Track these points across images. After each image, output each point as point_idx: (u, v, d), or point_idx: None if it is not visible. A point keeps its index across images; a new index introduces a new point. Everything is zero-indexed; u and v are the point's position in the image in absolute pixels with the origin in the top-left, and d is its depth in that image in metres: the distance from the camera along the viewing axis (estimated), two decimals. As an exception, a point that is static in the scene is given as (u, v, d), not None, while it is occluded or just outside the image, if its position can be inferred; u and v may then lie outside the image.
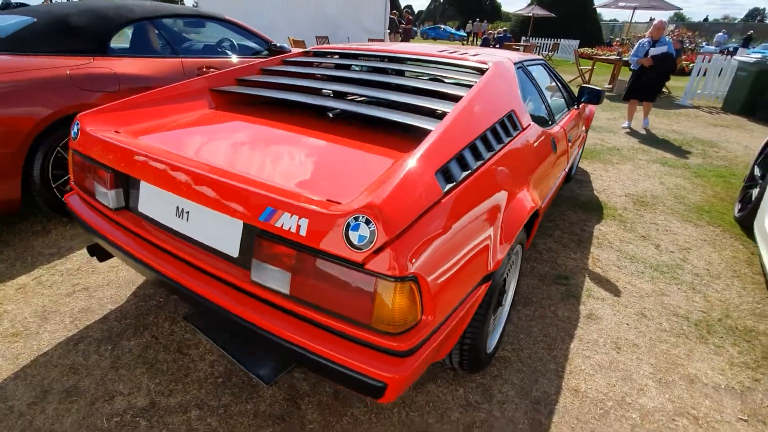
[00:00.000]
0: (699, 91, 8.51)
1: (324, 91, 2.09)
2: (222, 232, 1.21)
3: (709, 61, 8.28)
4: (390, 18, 11.70)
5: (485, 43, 13.02)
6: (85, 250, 2.36)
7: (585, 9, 21.96)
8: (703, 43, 5.59)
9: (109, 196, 1.46)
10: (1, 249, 2.34)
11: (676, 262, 2.61)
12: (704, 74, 8.46)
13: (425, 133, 1.43)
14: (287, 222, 1.00)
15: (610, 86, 9.68)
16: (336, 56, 2.29)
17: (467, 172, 1.23)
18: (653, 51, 5.94)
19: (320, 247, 0.97)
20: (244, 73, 2.12)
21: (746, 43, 22.57)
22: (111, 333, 1.77)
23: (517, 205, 1.44)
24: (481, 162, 1.32)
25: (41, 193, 2.42)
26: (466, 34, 29.53)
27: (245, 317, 1.11)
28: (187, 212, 1.28)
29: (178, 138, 1.56)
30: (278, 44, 3.83)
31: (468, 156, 1.27)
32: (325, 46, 2.38)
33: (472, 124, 1.38)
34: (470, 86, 1.72)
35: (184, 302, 1.29)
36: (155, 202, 1.38)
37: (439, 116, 1.57)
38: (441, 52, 2.10)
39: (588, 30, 20.96)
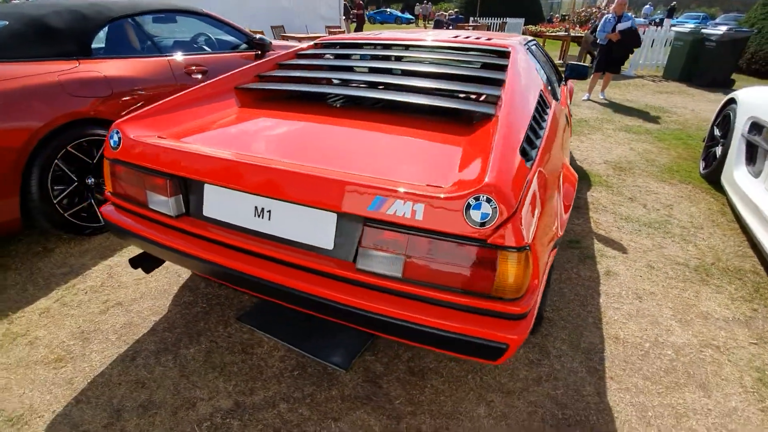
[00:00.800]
0: (641, 62, 9.19)
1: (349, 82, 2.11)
2: (313, 227, 1.23)
3: (644, 33, 8.93)
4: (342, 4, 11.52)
5: (438, 25, 13.17)
6: (103, 266, 2.25)
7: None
8: (632, 16, 6.07)
9: (169, 204, 1.43)
10: (4, 274, 2.18)
11: (663, 218, 2.90)
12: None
13: (483, 116, 1.51)
14: (400, 209, 1.06)
15: (561, 62, 10.19)
16: (351, 47, 2.29)
17: (535, 149, 1.33)
18: (620, 26, 6.24)
19: (438, 228, 1.03)
20: (264, 69, 2.08)
21: (670, 13, 24.38)
22: (166, 343, 1.74)
23: (568, 175, 1.58)
24: (539, 139, 1.42)
25: (42, 210, 2.26)
26: (414, 17, 29.58)
27: (354, 305, 1.16)
28: (269, 211, 1.29)
29: (232, 138, 1.54)
30: (258, 37, 3.72)
31: (531, 134, 1.38)
32: (333, 37, 2.38)
33: (525, 105, 1.48)
34: (501, 68, 1.81)
35: (275, 300, 1.30)
36: (225, 205, 1.36)
37: (487, 100, 1.65)
38: (455, 37, 2.17)
39: (529, 8, 21.70)
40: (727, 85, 7.64)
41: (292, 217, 1.26)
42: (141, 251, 1.77)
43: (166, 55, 2.91)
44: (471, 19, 14.76)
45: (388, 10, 28.77)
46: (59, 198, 2.31)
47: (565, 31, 10.62)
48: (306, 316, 1.75)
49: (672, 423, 1.45)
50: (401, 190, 1.06)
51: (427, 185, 1.11)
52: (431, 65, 2.00)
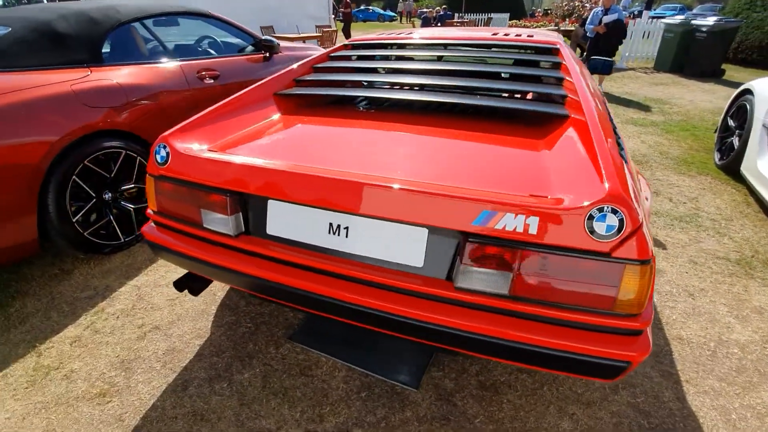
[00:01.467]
0: (628, 54, 9.30)
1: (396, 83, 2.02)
2: (399, 244, 1.15)
3: (634, 24, 9.05)
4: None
5: (425, 23, 13.10)
6: (130, 286, 2.11)
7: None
8: (620, 9, 6.21)
9: (229, 223, 1.32)
10: (23, 301, 2.03)
11: (692, 211, 2.90)
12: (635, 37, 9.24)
13: (555, 117, 1.44)
14: (511, 223, 0.98)
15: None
16: (386, 48, 2.19)
17: (622, 151, 1.27)
18: (606, 18, 6.36)
19: (555, 243, 0.96)
20: (300, 73, 1.97)
21: (648, 5, 24.88)
22: (217, 369, 1.63)
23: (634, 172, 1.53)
24: (620, 138, 1.37)
25: (60, 229, 2.11)
26: (396, 15, 29.47)
27: (453, 326, 1.08)
28: (346, 228, 1.19)
29: (289, 148, 1.43)
30: (265, 37, 3.59)
31: (615, 134, 1.32)
32: (363, 37, 2.28)
33: (597, 104, 1.42)
34: (556, 66, 1.75)
35: (352, 322, 1.22)
36: (293, 222, 1.26)
37: (552, 100, 1.58)
38: (495, 35, 2.10)
39: (511, 3, 21.86)
40: (717, 75, 7.79)
41: (374, 234, 1.17)
42: (185, 272, 1.65)
43: (177, 60, 2.77)
44: (457, 15, 14.73)
45: (371, 7, 28.56)
46: (78, 216, 2.16)
47: (555, 26, 10.67)
48: (360, 333, 1.67)
49: (757, 424, 1.42)
50: (513, 202, 0.98)
51: (530, 195, 1.04)
52: (478, 64, 1.92)
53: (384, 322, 1.16)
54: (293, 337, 1.72)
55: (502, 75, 1.85)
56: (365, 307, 1.16)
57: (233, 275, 1.34)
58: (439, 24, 12.83)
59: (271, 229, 1.31)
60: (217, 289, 2.08)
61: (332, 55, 2.11)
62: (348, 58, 2.13)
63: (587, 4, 15.66)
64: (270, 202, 1.28)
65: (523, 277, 1.02)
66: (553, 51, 1.87)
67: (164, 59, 2.70)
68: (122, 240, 2.39)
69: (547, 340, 1.02)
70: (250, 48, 3.53)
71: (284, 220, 1.28)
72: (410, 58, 2.08)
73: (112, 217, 2.33)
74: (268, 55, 3.58)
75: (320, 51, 4.69)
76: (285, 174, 1.21)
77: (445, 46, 2.08)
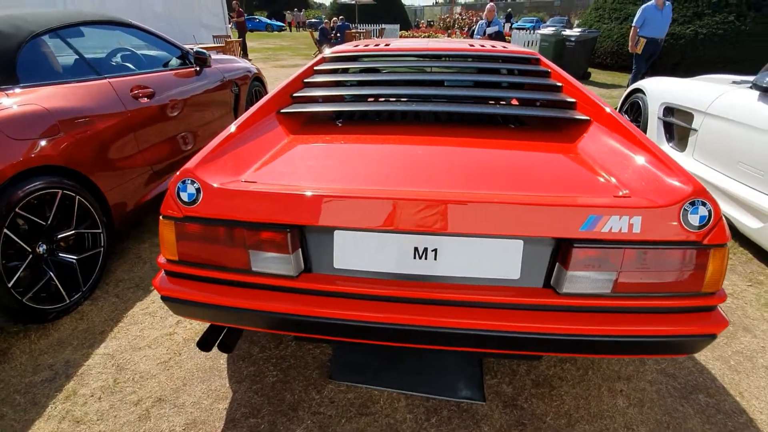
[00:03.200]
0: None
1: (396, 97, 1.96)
2: (493, 258, 1.13)
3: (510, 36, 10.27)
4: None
5: (324, 34, 13.07)
6: (99, 356, 1.71)
7: (389, -6, 23.98)
8: (500, 21, 7.21)
9: (291, 261, 1.16)
10: (-56, 404, 1.51)
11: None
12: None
13: (576, 122, 1.55)
14: (616, 224, 1.03)
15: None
16: (375, 59, 2.11)
17: None
18: (489, 30, 7.19)
19: (656, 238, 1.04)
20: (295, 88, 1.81)
21: (508, 18, 28.34)
22: (262, 432, 1.41)
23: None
24: None
25: (-11, 301, 1.62)
26: (285, 25, 28.87)
27: (559, 331, 1.10)
28: (434, 250, 1.13)
29: (332, 171, 1.30)
30: (196, 49, 3.23)
31: None
32: (343, 49, 2.18)
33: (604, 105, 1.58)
34: (544, 75, 1.89)
35: (447, 348, 1.16)
36: (369, 251, 1.16)
37: (560, 106, 1.69)
38: (472, 45, 2.19)
39: (397, 15, 23.07)
40: (585, 77, 9.20)
41: (466, 253, 1.13)
42: (209, 327, 1.39)
43: (106, 77, 2.34)
44: (351, 25, 15.02)
45: (257, 17, 27.48)
46: (13, 279, 1.68)
47: (448, 36, 11.53)
48: (400, 355, 1.60)
49: (749, 365, 1.71)
50: (618, 205, 1.04)
51: (614, 197, 1.11)
52: (473, 74, 1.99)
53: (485, 340, 1.13)
54: (334, 375, 1.58)
55: (499, 83, 1.94)
56: (464, 329, 1.12)
57: (293, 321, 1.17)
58: (338, 35, 12.91)
59: (340, 262, 1.18)
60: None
61: (317, 68, 1.98)
62: (336, 71, 2.03)
63: (472, 18, 17.27)
64: (337, 233, 1.16)
65: (626, 274, 1.08)
66: (534, 61, 2.03)
67: (90, 76, 2.25)
68: (68, 301, 1.93)
69: (647, 328, 1.09)
70: (175, 61, 3.14)
71: (356, 250, 1.16)
72: (401, 70, 2.06)
73: (52, 274, 1.87)
74: (198, 69, 3.23)
75: (245, 62, 4.38)
76: (358, 200, 1.11)
77: (432, 57, 2.10)
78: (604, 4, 10.83)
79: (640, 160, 1.25)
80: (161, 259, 1.27)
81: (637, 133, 1.35)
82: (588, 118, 1.53)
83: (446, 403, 1.51)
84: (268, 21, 28.28)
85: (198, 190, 1.15)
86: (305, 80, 1.87)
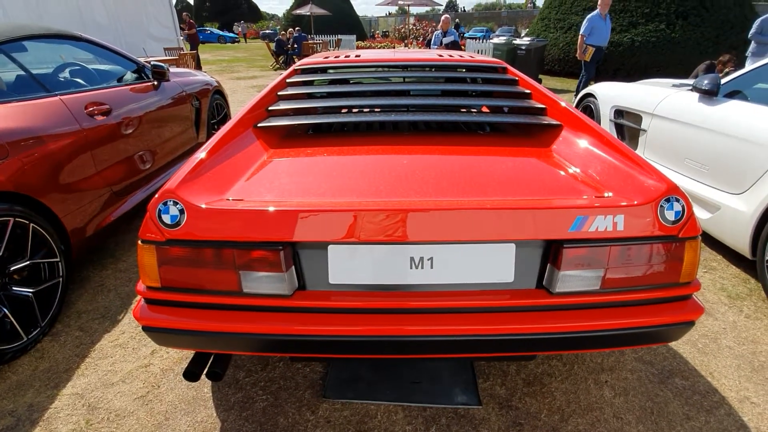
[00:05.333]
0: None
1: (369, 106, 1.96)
2: (487, 263, 1.15)
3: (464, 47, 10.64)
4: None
5: (280, 45, 12.90)
6: (67, 397, 1.57)
7: (343, 6, 24.17)
8: (455, 31, 7.55)
9: (284, 280, 1.12)
10: None
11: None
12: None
13: (548, 127, 1.62)
14: (602, 223, 1.09)
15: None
16: (346, 70, 2.11)
17: None
18: (445, 40, 7.45)
19: (637, 234, 1.10)
20: (269, 102, 1.77)
21: (457, 28, 29.36)
22: (257, 461, 1.34)
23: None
24: None
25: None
26: (237, 35, 28.29)
27: (553, 330, 1.13)
28: (430, 259, 1.14)
29: (320, 184, 1.28)
30: (153, 62, 3.09)
31: None
32: (314, 61, 2.16)
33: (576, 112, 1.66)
34: (512, 83, 1.96)
35: (445, 355, 1.16)
36: (364, 264, 1.14)
37: (531, 112, 1.76)
38: (441, 56, 2.24)
39: (353, 26, 23.26)
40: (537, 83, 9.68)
41: (461, 260, 1.14)
42: (193, 356, 1.32)
43: (56, 94, 2.18)
44: (309, 36, 14.98)
45: (208, 29, 26.72)
46: (-40, 321, 1.51)
47: (405, 46, 11.77)
48: (392, 367, 1.60)
49: (709, 343, 1.83)
50: (602, 205, 1.09)
51: (596, 197, 1.17)
52: (442, 83, 2.03)
53: (484, 345, 1.15)
54: (328, 393, 1.56)
55: (469, 92, 1.99)
56: (465, 336, 1.13)
57: (290, 341, 1.14)
58: (295, 46, 12.80)
59: (336, 277, 1.16)
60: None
61: (290, 81, 1.95)
62: (310, 83, 2.00)
63: (426, 28, 17.71)
64: (331, 247, 1.14)
65: (611, 269, 1.13)
66: (501, 69, 2.10)
67: (39, 94, 2.09)
68: (25, 339, 1.76)
69: (633, 320, 1.15)
70: (130, 75, 2.99)
71: (351, 264, 1.15)
72: (374, 81, 2.07)
73: (6, 311, 1.70)
74: (156, 83, 3.10)
75: (204, 75, 4.24)
76: (351, 213, 1.10)
77: (403, 68, 2.13)
78: (549, 14, 11.47)
79: (614, 161, 1.32)
80: (140, 287, 1.19)
81: (607, 136, 1.43)
82: (560, 123, 1.61)
83: (443, 411, 1.51)
84: (221, 32, 27.59)
85: (181, 211, 1.09)
86: (279, 93, 1.84)
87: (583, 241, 1.10)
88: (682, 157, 2.83)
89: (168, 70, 3.15)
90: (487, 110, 2.12)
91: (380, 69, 2.07)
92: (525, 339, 1.13)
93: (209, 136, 3.99)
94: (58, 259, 1.95)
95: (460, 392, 1.56)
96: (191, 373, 1.27)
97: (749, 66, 6.18)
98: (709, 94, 2.70)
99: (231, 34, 27.87)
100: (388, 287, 1.16)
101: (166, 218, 1.09)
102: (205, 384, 1.64)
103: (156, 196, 1.12)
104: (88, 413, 1.52)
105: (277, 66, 13.03)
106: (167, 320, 1.15)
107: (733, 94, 2.69)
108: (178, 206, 1.09)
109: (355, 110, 2.02)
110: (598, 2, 6.37)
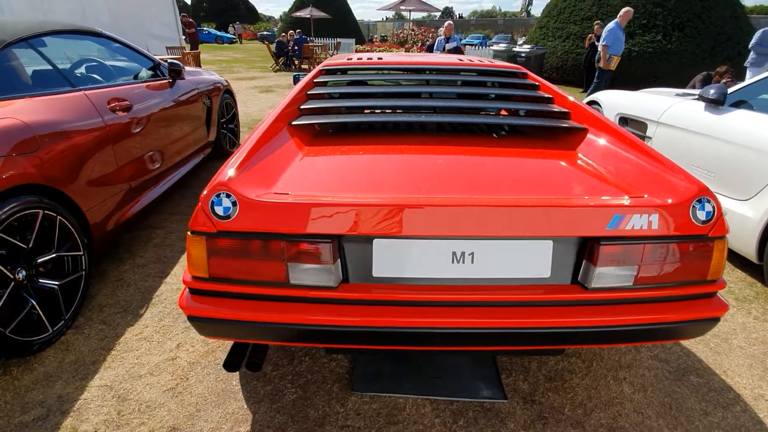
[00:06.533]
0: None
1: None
2: (525, 259, 1.19)
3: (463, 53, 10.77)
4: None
5: (280, 47, 12.92)
6: (96, 388, 1.58)
7: (342, 9, 24.30)
8: (458, 37, 7.71)
9: (331, 272, 1.15)
10: None
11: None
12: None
13: (574, 130, 1.67)
14: (638, 222, 1.14)
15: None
16: (372, 72, 2.15)
17: None
18: (448, 46, 7.55)
19: (670, 233, 1.15)
20: (300, 101, 1.80)
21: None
22: (292, 451, 1.36)
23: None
24: None
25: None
26: (235, 37, 28.25)
27: (587, 324, 1.18)
28: (471, 254, 1.18)
29: (361, 181, 1.32)
30: (169, 60, 3.12)
31: None
32: (339, 62, 2.20)
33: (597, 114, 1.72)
34: (533, 87, 2.02)
35: (483, 348, 1.21)
36: (407, 258, 1.18)
37: (554, 116, 1.81)
38: (461, 60, 2.29)
39: (350, 29, 23.36)
40: (536, 90, 9.82)
41: (500, 255, 1.19)
42: (232, 347, 1.34)
43: (81, 89, 2.20)
44: (309, 39, 15.04)
45: (206, 29, 26.60)
46: (-6, 311, 1.52)
47: (405, 51, 11.87)
48: (418, 361, 1.63)
49: (720, 342, 1.90)
50: (640, 204, 1.14)
51: (630, 197, 1.22)
52: (463, 86, 2.08)
53: (522, 338, 1.19)
54: (356, 387, 1.59)
55: (491, 96, 2.04)
56: (503, 329, 1.17)
57: (333, 332, 1.17)
58: (296, 48, 12.84)
59: (379, 270, 1.19)
60: (219, 358, 1.72)
61: (317, 80, 1.99)
62: (337, 83, 2.04)
63: (425, 34, 17.85)
64: (376, 241, 1.17)
65: (644, 267, 1.18)
66: (521, 75, 2.16)
67: (66, 88, 2.11)
68: (51, 331, 1.77)
69: (663, 316, 1.20)
70: (145, 72, 3.01)
71: (395, 258, 1.18)
72: (402, 83, 2.12)
73: (34, 303, 1.71)
74: (171, 80, 3.12)
75: (215, 74, 4.26)
76: (397, 208, 1.13)
77: (427, 71, 2.18)
78: (547, 23, 11.65)
79: (643, 162, 1.37)
80: (186, 277, 1.22)
81: (633, 139, 1.49)
82: (584, 126, 1.66)
83: (470, 404, 1.55)
84: (218, 33, 27.51)
85: (234, 204, 1.12)
86: (308, 92, 1.88)
87: (620, 239, 1.15)
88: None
89: (184, 68, 3.17)
90: (507, 113, 2.17)
91: (405, 72, 2.11)
92: (561, 333, 1.18)
93: (219, 135, 4.01)
94: (81, 253, 1.96)
95: (484, 386, 1.60)
96: (231, 364, 1.30)
97: (749, 75, 6.34)
98: (716, 104, 2.79)
99: (229, 35, 27.81)
100: (430, 281, 1.20)
101: (219, 210, 1.12)
102: (232, 377, 1.66)
103: (209, 187, 1.15)
104: (118, 404, 1.53)
105: (277, 68, 13.05)
106: (213, 310, 1.18)
107: (738, 104, 2.78)
108: (230, 198, 1.12)
109: (382, 111, 2.06)
110: (619, 13, 6.57)
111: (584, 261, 1.19)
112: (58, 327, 1.80)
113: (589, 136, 1.64)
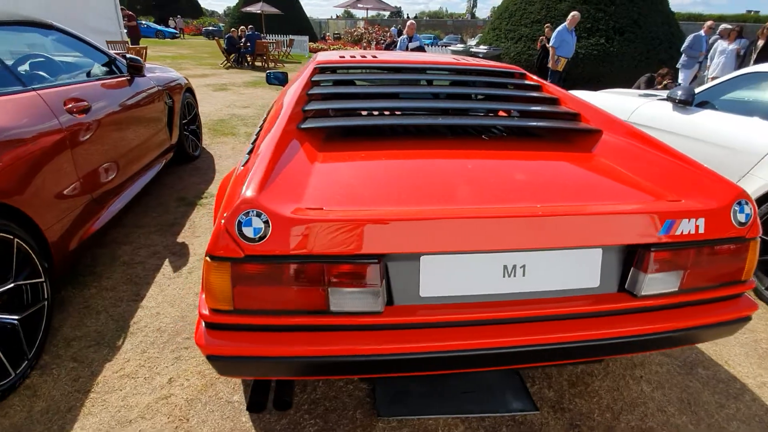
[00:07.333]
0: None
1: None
2: (574, 269, 1.14)
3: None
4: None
5: (231, 42, 12.24)
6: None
7: (293, 6, 23.64)
8: (420, 37, 7.77)
9: (378, 296, 1.03)
10: None
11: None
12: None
13: (588, 132, 1.65)
14: (686, 227, 1.12)
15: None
16: (370, 71, 2.01)
17: None
18: (411, 45, 7.56)
19: (715, 236, 1.15)
20: (302, 102, 1.64)
21: (399, 33, 29.91)
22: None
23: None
24: None
25: None
26: (176, 30, 26.55)
27: (637, 333, 1.15)
28: (522, 266, 1.11)
29: (390, 190, 1.21)
30: (129, 56, 2.79)
31: None
32: (334, 60, 2.05)
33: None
34: (535, 88, 1.99)
35: (534, 364, 1.15)
36: (456, 275, 1.09)
37: (562, 117, 1.79)
38: (456, 59, 2.23)
39: (302, 26, 22.79)
40: (493, 90, 10.10)
41: (550, 266, 1.13)
42: (254, 386, 1.18)
43: (33, 88, 1.88)
44: (261, 35, 14.42)
45: (145, 23, 24.66)
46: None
47: (363, 49, 11.74)
48: (441, 380, 1.55)
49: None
50: (688, 209, 1.12)
51: (668, 201, 1.21)
52: (468, 87, 2.02)
53: (576, 351, 1.14)
54: (382, 412, 1.48)
55: (497, 96, 2.00)
56: (556, 344, 1.11)
57: (376, 362, 1.06)
58: (248, 44, 12.24)
59: (427, 290, 1.09)
60: (224, 394, 1.54)
61: (314, 79, 1.84)
62: (338, 83, 1.90)
63: (380, 33, 17.80)
64: (424, 258, 1.07)
65: (690, 270, 1.17)
66: (519, 75, 2.13)
67: (16, 87, 1.79)
68: (14, 374, 1.49)
69: (705, 318, 1.20)
70: (100, 68, 2.68)
71: (444, 275, 1.09)
72: (404, 83, 2.01)
73: (-10, 343, 1.42)
74: (129, 78, 2.81)
75: (174, 72, 3.91)
76: (446, 222, 1.04)
77: (425, 70, 2.09)
78: (500, 24, 12.01)
79: (670, 164, 1.38)
80: (203, 310, 1.05)
81: (654, 140, 1.49)
82: (599, 129, 1.66)
83: (502, 419, 1.49)
84: (158, 27, 25.70)
85: (266, 223, 0.97)
86: (309, 92, 1.72)
87: (671, 245, 1.13)
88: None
89: (145, 64, 2.86)
90: (515, 114, 2.14)
91: (405, 71, 2.01)
92: (613, 343, 1.14)
93: (181, 138, 3.69)
94: (42, 279, 1.67)
95: (513, 399, 1.54)
96: (257, 404, 1.14)
97: (682, 77, 6.85)
98: (684, 104, 2.95)
99: (171, 29, 26.06)
100: (480, 297, 1.11)
101: (248, 231, 0.96)
102: (240, 413, 1.48)
103: (234, 206, 0.98)
104: (109, 458, 1.31)
105: (229, 64, 12.42)
106: (240, 347, 1.02)
107: (703, 104, 2.97)
108: (262, 218, 0.97)
109: (392, 112, 1.94)
110: (567, 18, 6.86)
111: (632, 268, 1.16)
112: (21, 369, 1.52)
113: (605, 137, 1.63)
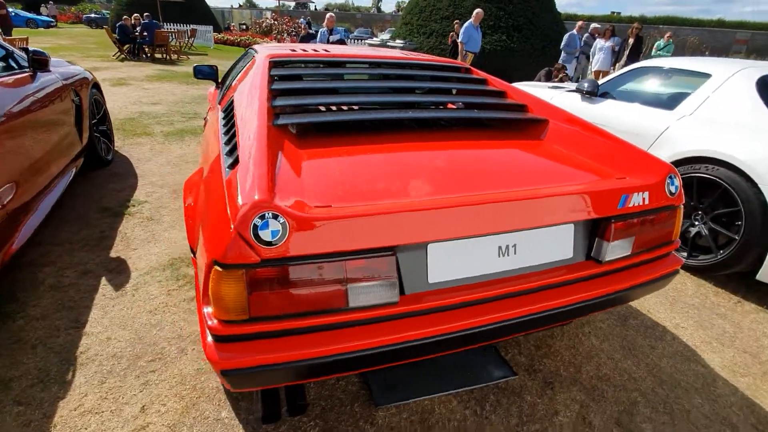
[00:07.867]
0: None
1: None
2: (554, 244, 1.29)
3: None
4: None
5: (124, 32, 10.83)
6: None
7: (190, -8, 21.71)
8: (341, 29, 7.71)
9: (395, 287, 1.07)
10: None
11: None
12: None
13: (535, 122, 1.83)
14: (637, 199, 1.33)
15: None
16: (331, 66, 1.97)
17: None
18: (332, 38, 7.50)
19: (654, 205, 1.38)
20: (268, 98, 1.56)
21: (309, 26, 29.38)
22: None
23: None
24: None
25: None
26: (51, 19, 22.78)
27: (604, 293, 1.34)
28: (514, 245, 1.23)
29: (381, 182, 1.24)
30: (34, 49, 2.39)
31: None
32: (285, 53, 1.97)
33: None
34: (481, 81, 2.14)
35: (526, 332, 1.27)
36: (459, 259, 1.17)
37: (512, 108, 1.95)
38: (408, 54, 2.30)
39: (203, 15, 21.08)
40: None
41: (537, 242, 1.26)
42: (262, 396, 1.13)
43: None
44: (159, 24, 13.04)
45: (12, 10, 20.53)
46: None
47: (276, 41, 11.29)
48: (429, 360, 1.65)
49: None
50: (638, 184, 1.33)
51: (617, 179, 1.42)
52: (425, 81, 2.10)
53: (558, 316, 1.29)
54: (379, 401, 1.53)
55: (448, 89, 2.11)
56: (544, 312, 1.25)
57: (395, 350, 1.10)
58: (145, 34, 10.98)
59: (434, 276, 1.15)
60: (209, 412, 1.45)
61: (272, 74, 1.77)
62: (296, 77, 1.84)
63: (290, 25, 17.21)
64: (431, 246, 1.13)
65: (638, 236, 1.39)
66: (465, 70, 2.28)
67: None
68: (-60, 435, 1.23)
69: (651, 274, 1.44)
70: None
71: (449, 260, 1.16)
72: (362, 77, 2.01)
73: None
74: (32, 73, 2.43)
75: (78, 66, 3.41)
76: (449, 210, 1.11)
77: (380, 65, 2.12)
78: (411, 20, 12.42)
79: (611, 147, 1.60)
80: (211, 323, 0.99)
81: (593, 126, 1.71)
82: (546, 119, 1.85)
83: (488, 389, 1.62)
84: (29, 15, 21.76)
85: (284, 225, 0.94)
86: (272, 87, 1.66)
87: (627, 215, 1.33)
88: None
89: (50, 58, 2.46)
90: (453, 106, 2.27)
91: (359, 65, 2.03)
92: (583, 306, 1.32)
93: (92, 140, 3.26)
94: (-40, 317, 1.40)
95: (494, 369, 1.68)
96: (272, 414, 1.12)
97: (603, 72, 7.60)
98: (591, 95, 3.39)
99: (45, 17, 22.24)
100: (478, 278, 1.20)
101: (265, 235, 0.93)
102: (232, 428, 1.41)
103: (245, 209, 0.93)
104: (93, 504, 1.16)
105: (123, 56, 11.06)
106: (259, 357, 0.98)
107: (605, 95, 3.44)
108: (279, 219, 0.93)
109: (361, 107, 1.94)
110: (473, 14, 7.29)
111: (596, 239, 1.35)
112: (-53, 428, 1.26)
113: (551, 125, 1.83)
